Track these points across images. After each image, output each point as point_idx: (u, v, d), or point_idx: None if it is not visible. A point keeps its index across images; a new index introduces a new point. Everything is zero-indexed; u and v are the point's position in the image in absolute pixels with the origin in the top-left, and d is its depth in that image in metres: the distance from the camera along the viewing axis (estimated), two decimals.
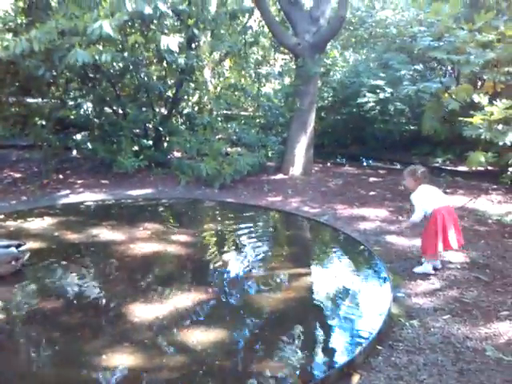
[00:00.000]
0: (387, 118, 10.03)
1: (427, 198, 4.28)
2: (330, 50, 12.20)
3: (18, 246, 4.44)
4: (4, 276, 4.07)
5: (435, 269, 4.45)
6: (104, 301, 3.73)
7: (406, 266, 4.59)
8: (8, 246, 4.40)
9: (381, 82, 9.60)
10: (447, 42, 6.46)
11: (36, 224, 5.49)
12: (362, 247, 4.97)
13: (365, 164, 10.24)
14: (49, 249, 4.78)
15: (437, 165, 9.58)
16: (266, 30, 10.04)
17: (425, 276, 4.35)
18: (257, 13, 9.74)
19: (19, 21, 7.74)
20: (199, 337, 3.17)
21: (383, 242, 5.29)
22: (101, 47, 6.38)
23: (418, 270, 4.45)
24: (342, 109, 10.87)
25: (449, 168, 9.26)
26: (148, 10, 5.75)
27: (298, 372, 2.84)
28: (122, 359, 2.91)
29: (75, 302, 3.68)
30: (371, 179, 8.54)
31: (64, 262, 4.39)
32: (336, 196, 7.27)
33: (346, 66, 11.44)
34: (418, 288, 4.15)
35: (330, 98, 11.42)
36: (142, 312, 3.49)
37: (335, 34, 8.78)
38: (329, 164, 9.88)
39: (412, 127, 10.47)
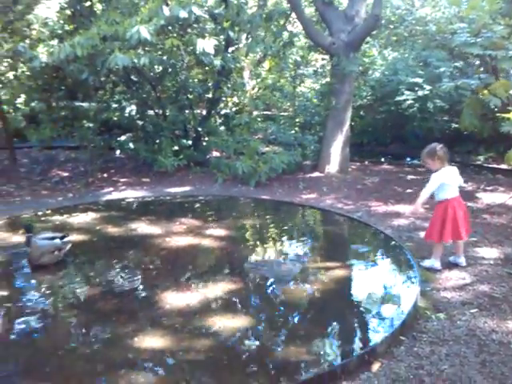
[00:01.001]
0: (427, 115, 9.88)
1: (447, 182, 4.22)
2: (368, 48, 12.15)
3: (62, 238, 4.73)
4: (48, 265, 4.34)
5: (460, 266, 4.42)
6: (139, 289, 3.93)
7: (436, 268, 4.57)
8: (53, 238, 4.69)
9: (419, 80, 9.49)
10: (484, 37, 6.34)
11: (80, 219, 5.81)
12: (393, 243, 4.98)
13: (404, 162, 10.12)
14: (90, 241, 5.06)
15: (479, 163, 9.39)
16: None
17: (456, 270, 4.33)
18: (294, 14, 9.85)
19: (65, 28, 8.19)
20: (226, 323, 3.32)
21: (416, 239, 5.28)
22: (139, 51, 6.68)
23: (426, 263, 4.44)
24: (381, 107, 10.80)
25: (491, 166, 9.05)
26: (183, 15, 5.96)
27: (320, 357, 2.93)
28: (154, 341, 3.09)
29: (112, 289, 3.90)
30: (409, 177, 8.46)
31: (103, 253, 4.64)
32: (371, 193, 7.27)
33: (385, 65, 11.35)
34: (448, 283, 4.13)
35: (368, 97, 11.36)
36: (174, 300, 3.66)
37: (370, 33, 8.76)
38: (366, 162, 9.84)
39: (454, 125, 10.27)
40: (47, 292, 3.85)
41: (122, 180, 8.31)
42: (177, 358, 2.93)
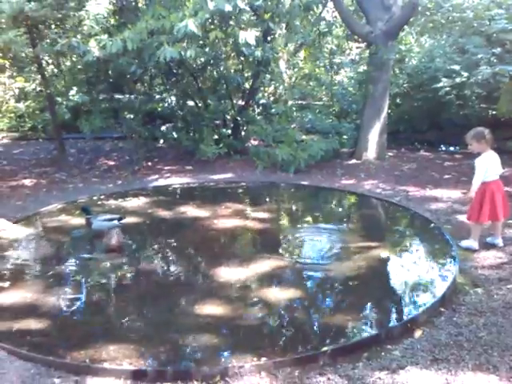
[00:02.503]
0: (464, 102, 9.89)
1: (489, 167, 4.41)
2: (405, 36, 12.15)
3: (119, 220, 5.14)
4: (115, 249, 4.64)
5: (497, 246, 4.58)
6: (193, 265, 4.28)
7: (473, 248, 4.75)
8: (111, 220, 5.11)
9: (457, 67, 9.49)
10: None
11: (133, 203, 6.22)
12: (432, 225, 5.17)
13: (441, 149, 10.16)
14: (145, 223, 5.46)
15: None
16: (340, 19, 10.27)
17: (494, 251, 4.49)
18: (330, 4, 10.00)
19: (112, 23, 8.58)
20: (277, 294, 3.62)
21: (454, 222, 5.43)
22: (184, 44, 6.99)
23: (464, 243, 4.62)
24: (418, 95, 10.82)
25: None
26: (228, 8, 6.22)
27: (366, 324, 3.20)
28: (211, 309, 3.43)
29: (170, 265, 4.26)
30: (446, 163, 8.54)
31: (158, 234, 5.01)
32: (409, 179, 7.42)
33: (422, 52, 11.35)
34: (486, 261, 4.31)
35: (405, 85, 11.39)
36: (227, 274, 3.99)
37: (407, 21, 8.83)
38: (403, 150, 9.94)
39: (491, 112, 10.23)
40: (116, 269, 4.24)
41: (165, 168, 8.69)
42: (233, 323, 3.26)
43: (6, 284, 3.93)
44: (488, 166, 4.41)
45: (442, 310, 3.45)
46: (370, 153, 8.63)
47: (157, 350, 2.98)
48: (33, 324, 3.32)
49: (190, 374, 2.76)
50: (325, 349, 2.91)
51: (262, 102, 10.15)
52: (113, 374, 2.79)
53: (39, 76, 8.85)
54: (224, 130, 9.47)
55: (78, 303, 3.64)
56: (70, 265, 4.35)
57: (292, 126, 9.28)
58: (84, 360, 2.89)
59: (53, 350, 2.99)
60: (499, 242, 4.63)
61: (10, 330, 3.25)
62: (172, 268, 4.23)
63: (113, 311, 3.55)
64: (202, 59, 8.59)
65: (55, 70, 9.53)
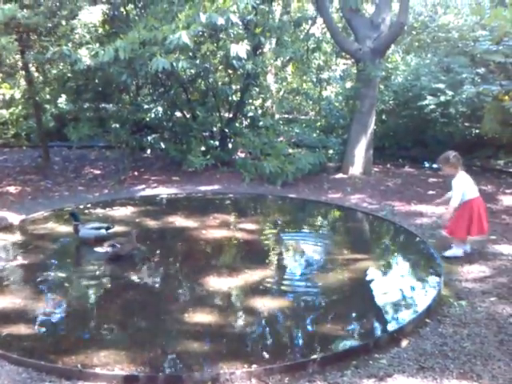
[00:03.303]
0: (448, 120, 10.11)
1: (467, 186, 4.65)
2: (391, 54, 12.42)
3: (107, 229, 5.13)
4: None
5: (466, 253, 4.80)
6: (183, 273, 4.31)
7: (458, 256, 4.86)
8: (99, 228, 5.10)
9: (442, 86, 9.72)
10: (506, 45, 6.60)
11: (120, 212, 6.21)
12: (417, 239, 5.26)
13: (425, 166, 10.35)
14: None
15: (498, 167, 9.57)
16: (328, 36, 10.47)
17: (477, 264, 4.61)
18: (319, 20, 10.19)
19: (101, 31, 8.59)
20: (266, 304, 3.66)
21: (438, 236, 5.52)
22: (176, 56, 7.05)
23: (448, 253, 4.79)
24: (403, 112, 11.04)
25: (510, 170, 9.24)
26: (221, 21, 6.32)
27: (353, 334, 3.25)
28: (201, 317, 3.46)
29: (160, 274, 4.28)
30: (431, 180, 8.70)
31: (147, 243, 5.01)
32: (394, 194, 7.55)
33: (408, 70, 11.60)
34: (469, 275, 4.41)
35: (391, 102, 11.59)
36: (216, 283, 4.02)
37: (395, 39, 9.05)
38: (389, 165, 10.10)
39: (474, 130, 10.48)
40: (105, 276, 4.27)
41: (152, 178, 8.69)
42: (223, 331, 3.29)
43: None
44: (465, 185, 4.65)
45: (428, 321, 3.53)
46: (357, 167, 8.75)
47: (147, 356, 2.99)
48: (23, 329, 3.32)
49: (182, 380, 2.78)
50: (314, 357, 2.95)
51: (249, 114, 10.24)
52: (104, 379, 2.80)
53: (24, 83, 8.83)
54: (211, 141, 9.52)
55: (67, 310, 3.63)
56: (60, 271, 4.34)
57: (279, 139, 9.38)
58: (75, 365, 2.88)
59: (44, 355, 2.99)
60: (468, 248, 4.87)
61: (0, 334, 3.23)
62: (162, 276, 4.24)
63: (103, 318, 3.54)
64: (192, 71, 8.66)
65: (40, 78, 9.51)
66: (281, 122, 10.11)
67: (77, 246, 5.01)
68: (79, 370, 2.86)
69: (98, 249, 4.68)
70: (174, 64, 6.54)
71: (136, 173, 9.04)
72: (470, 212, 4.61)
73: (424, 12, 12.84)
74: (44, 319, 3.48)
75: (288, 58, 10.13)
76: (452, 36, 11.16)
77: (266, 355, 3.01)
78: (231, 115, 9.96)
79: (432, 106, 9.59)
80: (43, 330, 3.37)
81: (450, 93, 9.46)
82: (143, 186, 8.13)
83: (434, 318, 3.58)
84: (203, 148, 9.18)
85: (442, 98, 9.44)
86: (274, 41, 9.02)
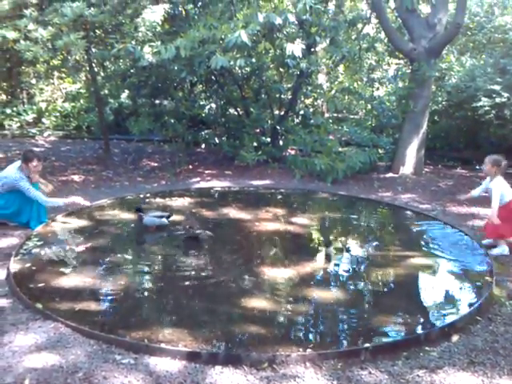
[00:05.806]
0: (503, 122, 9.90)
1: (506, 189, 4.96)
2: (446, 54, 12.23)
3: (168, 217, 5.44)
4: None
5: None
6: (239, 262, 4.54)
7: (510, 257, 4.87)
8: (161, 217, 5.41)
9: (497, 87, 9.54)
10: None
11: (177, 202, 6.53)
12: (468, 239, 5.30)
13: (477, 168, 10.19)
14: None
15: None
16: (382, 36, 10.47)
17: None
18: (373, 20, 10.22)
19: (162, 29, 8.95)
20: (320, 294, 3.83)
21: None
22: (233, 54, 7.30)
23: (495, 251, 4.96)
24: (456, 113, 10.89)
25: None
26: (278, 21, 6.52)
27: (406, 326, 3.38)
28: (257, 303, 3.66)
29: (218, 261, 4.52)
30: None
31: (206, 231, 5.27)
32: (446, 195, 7.53)
33: (462, 71, 11.42)
34: None
35: (444, 102, 11.46)
36: (270, 272, 4.22)
37: (451, 40, 8.97)
38: (440, 166, 10.02)
39: None
40: (171, 260, 4.57)
41: (206, 172, 9.00)
42: (279, 316, 3.49)
43: (68, 270, 4.24)
44: (503, 188, 4.97)
45: (479, 318, 3.60)
46: (408, 167, 8.76)
47: (209, 335, 3.22)
48: (93, 306, 3.62)
49: (240, 359, 2.99)
50: (367, 345, 3.10)
51: (301, 112, 10.39)
52: (169, 354, 3.04)
53: (84, 78, 9.30)
54: (263, 137, 9.75)
55: (132, 289, 3.92)
56: (125, 254, 4.67)
57: (330, 137, 9.49)
58: (142, 339, 3.15)
59: (112, 330, 3.26)
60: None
61: (73, 310, 3.53)
62: (219, 263, 4.48)
63: (165, 298, 3.82)
64: (248, 69, 8.89)
65: (102, 74, 10.00)
66: (331, 121, 10.22)
67: (139, 232, 5.33)
68: (146, 344, 3.10)
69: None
70: (232, 62, 6.78)
71: (190, 166, 9.38)
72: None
73: (480, 12, 12.55)
74: (111, 297, 3.77)
75: (341, 57, 10.22)
76: (509, 37, 10.90)
77: (320, 341, 3.19)
78: (283, 113, 10.14)
79: (486, 108, 9.44)
80: (111, 306, 3.66)
81: (506, 94, 9.27)
82: (198, 178, 8.45)
83: (484, 316, 3.65)
84: (255, 144, 9.43)
85: (498, 100, 9.28)
86: (327, 40, 9.10)
